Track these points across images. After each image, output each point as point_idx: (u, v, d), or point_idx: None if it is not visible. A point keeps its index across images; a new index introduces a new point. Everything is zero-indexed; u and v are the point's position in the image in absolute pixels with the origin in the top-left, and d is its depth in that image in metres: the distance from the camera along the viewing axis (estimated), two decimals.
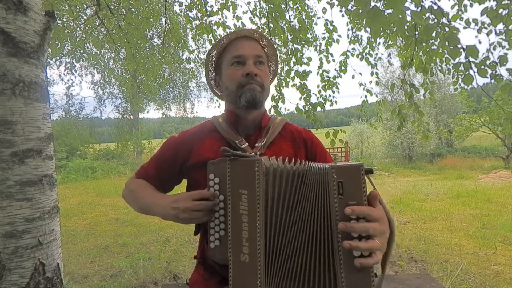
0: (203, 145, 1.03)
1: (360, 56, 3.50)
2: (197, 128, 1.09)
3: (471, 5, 2.34)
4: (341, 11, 2.95)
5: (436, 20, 1.67)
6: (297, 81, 2.85)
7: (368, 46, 3.45)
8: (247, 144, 1.00)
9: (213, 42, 3.49)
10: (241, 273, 0.76)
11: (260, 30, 3.13)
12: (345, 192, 0.70)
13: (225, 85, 1.03)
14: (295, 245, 0.78)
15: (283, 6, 3.01)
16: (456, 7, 2.43)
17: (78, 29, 4.49)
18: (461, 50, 1.55)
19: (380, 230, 0.70)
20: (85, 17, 4.42)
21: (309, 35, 3.30)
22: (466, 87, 1.85)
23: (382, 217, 0.72)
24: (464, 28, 2.53)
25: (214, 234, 0.86)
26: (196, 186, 0.99)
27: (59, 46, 4.00)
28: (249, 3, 3.31)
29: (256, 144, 1.01)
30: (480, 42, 3.14)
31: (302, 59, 3.01)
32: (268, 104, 5.29)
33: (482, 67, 1.69)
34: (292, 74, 2.92)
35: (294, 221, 0.79)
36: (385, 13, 1.25)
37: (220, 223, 0.86)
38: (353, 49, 3.45)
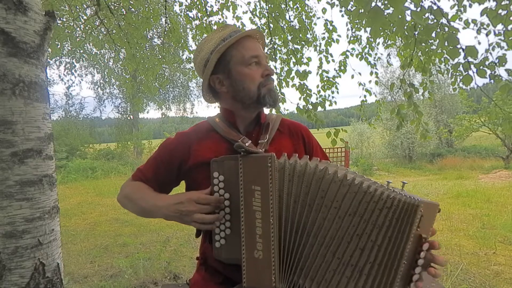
0: (201, 146, 1.01)
1: (359, 56, 3.50)
2: (193, 129, 1.08)
3: (470, 6, 2.34)
4: (341, 11, 2.95)
5: (435, 21, 1.67)
6: (297, 81, 2.86)
7: (367, 46, 3.46)
8: (250, 141, 0.98)
9: None
10: (255, 269, 0.77)
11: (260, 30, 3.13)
12: (421, 225, 0.77)
13: (241, 85, 1.00)
14: (318, 243, 0.80)
15: (283, 6, 3.01)
16: (456, 7, 2.43)
17: (78, 29, 4.50)
18: (460, 50, 1.55)
19: (444, 262, 0.81)
20: (85, 17, 4.43)
21: (309, 35, 3.31)
22: (465, 87, 1.85)
23: None
24: (464, 28, 2.54)
25: (220, 233, 0.86)
26: (196, 186, 0.97)
27: (59, 46, 4.01)
28: (249, 3, 3.32)
29: (259, 141, 1.00)
30: (479, 43, 3.14)
31: (302, 59, 3.02)
32: None
33: (481, 67, 1.70)
34: (292, 74, 2.93)
35: (321, 220, 0.80)
36: (385, 13, 1.25)
37: (226, 222, 0.85)
38: (353, 49, 3.46)
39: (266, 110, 1.13)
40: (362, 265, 0.78)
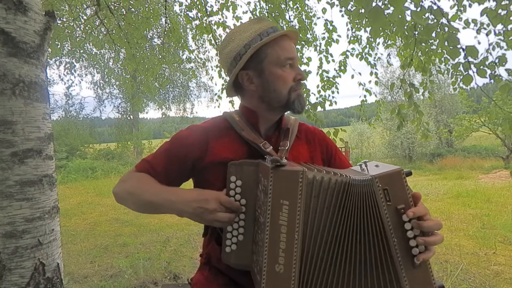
0: (218, 143, 0.96)
1: (359, 56, 3.50)
2: (209, 124, 1.02)
3: (470, 6, 2.35)
4: (341, 11, 2.95)
5: (435, 20, 1.67)
6: None
7: (367, 46, 3.46)
8: (271, 147, 0.94)
9: (213, 42, 3.50)
10: (274, 283, 0.77)
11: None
12: (392, 198, 0.73)
13: (272, 86, 0.95)
14: (336, 257, 0.79)
15: (283, 6, 3.01)
16: (456, 7, 2.44)
17: (78, 29, 4.50)
18: (461, 50, 1.55)
19: (438, 224, 0.75)
20: (85, 17, 4.43)
21: (309, 35, 3.31)
22: (465, 87, 1.85)
23: (429, 213, 0.77)
24: (464, 28, 2.54)
25: (231, 238, 0.85)
26: (207, 185, 0.93)
27: (59, 46, 4.01)
28: (249, 3, 3.32)
29: (280, 148, 0.96)
30: (479, 43, 3.14)
31: (302, 59, 3.02)
32: None
33: (482, 67, 1.70)
34: None
35: (336, 234, 0.79)
36: (385, 13, 1.25)
37: (239, 228, 0.84)
38: (353, 49, 3.46)
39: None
40: (363, 260, 0.78)
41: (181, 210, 0.84)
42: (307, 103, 2.89)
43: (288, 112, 1.03)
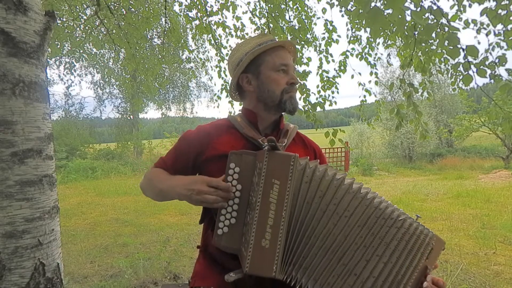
0: (220, 140, 1.08)
1: (359, 56, 3.50)
2: (213, 125, 1.15)
3: (470, 6, 2.34)
4: (341, 11, 2.95)
5: (435, 21, 1.67)
6: None
7: (367, 46, 3.45)
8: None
9: (212, 42, 3.50)
10: (259, 257, 0.81)
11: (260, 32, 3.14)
12: (429, 257, 0.83)
13: (267, 87, 1.09)
14: (325, 246, 0.84)
15: (283, 6, 3.01)
16: (456, 7, 2.43)
17: (78, 29, 4.50)
18: (461, 50, 1.55)
19: None
20: (85, 17, 4.42)
21: (308, 35, 3.30)
22: (465, 87, 1.85)
23: None
24: (464, 28, 2.54)
25: (224, 221, 0.90)
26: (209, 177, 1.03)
27: (59, 46, 4.01)
28: (249, 3, 3.32)
29: (278, 144, 1.03)
30: (479, 43, 3.13)
31: (302, 59, 3.02)
32: None
33: (481, 67, 1.69)
34: None
35: (331, 226, 0.84)
36: (385, 13, 1.25)
37: (233, 211, 0.90)
38: (353, 49, 3.45)
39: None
40: (366, 277, 0.81)
41: (178, 193, 0.96)
42: (307, 103, 2.89)
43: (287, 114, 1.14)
